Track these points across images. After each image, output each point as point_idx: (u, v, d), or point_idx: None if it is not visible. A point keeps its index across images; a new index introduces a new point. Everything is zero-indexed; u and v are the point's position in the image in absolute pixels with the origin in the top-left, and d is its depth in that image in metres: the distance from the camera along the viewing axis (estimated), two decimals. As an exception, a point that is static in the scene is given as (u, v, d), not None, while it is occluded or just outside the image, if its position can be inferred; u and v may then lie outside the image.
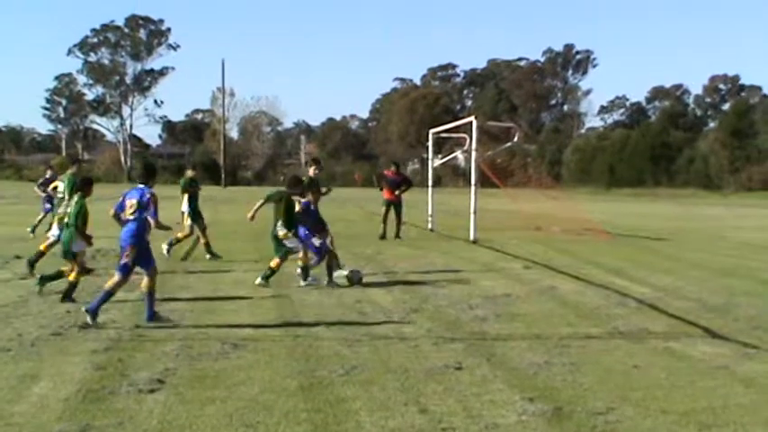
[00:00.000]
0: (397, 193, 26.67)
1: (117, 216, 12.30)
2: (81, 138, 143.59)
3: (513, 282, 17.04)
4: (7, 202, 51.29)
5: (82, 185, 14.73)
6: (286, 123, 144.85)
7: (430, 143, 34.44)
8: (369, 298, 14.57)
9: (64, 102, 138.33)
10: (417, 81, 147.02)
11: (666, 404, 8.18)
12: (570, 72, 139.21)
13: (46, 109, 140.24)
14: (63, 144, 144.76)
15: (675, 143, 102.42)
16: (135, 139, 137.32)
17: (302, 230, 15.98)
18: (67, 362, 9.58)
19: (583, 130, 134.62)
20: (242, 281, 16.48)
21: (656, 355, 10.45)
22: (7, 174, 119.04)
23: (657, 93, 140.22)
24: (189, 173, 21.85)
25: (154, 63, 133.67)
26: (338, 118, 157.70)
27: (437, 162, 35.94)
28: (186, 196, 20.79)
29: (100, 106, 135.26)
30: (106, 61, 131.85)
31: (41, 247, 16.90)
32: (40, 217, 25.85)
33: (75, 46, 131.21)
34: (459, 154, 41.42)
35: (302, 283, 15.91)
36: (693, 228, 35.32)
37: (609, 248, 24.67)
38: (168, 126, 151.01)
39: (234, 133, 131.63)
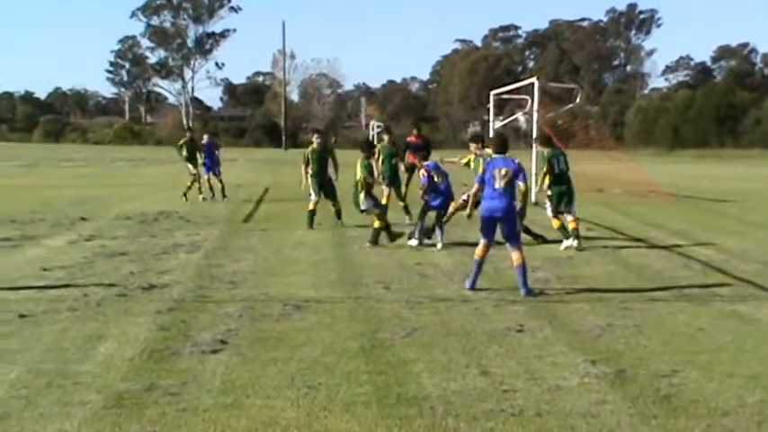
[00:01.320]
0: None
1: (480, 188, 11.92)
2: (144, 101, 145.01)
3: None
4: (74, 164, 52.09)
5: (367, 147, 16.56)
6: (346, 86, 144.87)
7: (491, 105, 34.10)
8: (430, 260, 14.55)
9: (127, 65, 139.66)
10: (478, 42, 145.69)
11: (732, 367, 8.06)
12: (633, 32, 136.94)
13: (110, 72, 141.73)
14: (126, 107, 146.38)
15: (741, 103, 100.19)
16: (196, 102, 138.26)
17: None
18: (132, 322, 9.70)
19: (646, 91, 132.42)
20: (304, 242, 16.55)
21: (722, 317, 10.29)
22: (73, 137, 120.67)
23: (723, 52, 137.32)
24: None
25: (215, 26, 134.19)
26: (398, 80, 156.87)
27: (498, 124, 35.58)
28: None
29: (162, 69, 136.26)
30: (168, 24, 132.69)
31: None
32: (203, 178, 26.50)
33: (138, 9, 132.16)
34: (520, 115, 41.05)
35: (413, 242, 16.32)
36: (759, 189, 34.60)
37: (672, 210, 24.32)
38: (229, 88, 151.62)
39: (294, 96, 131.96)
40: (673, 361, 8.23)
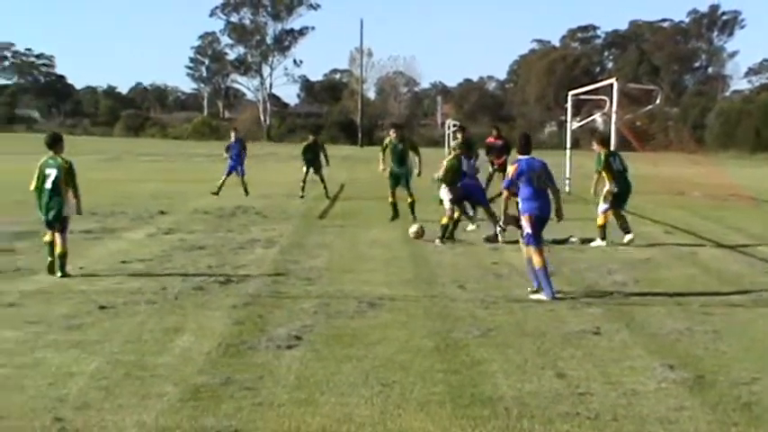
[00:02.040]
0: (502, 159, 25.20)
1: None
2: (222, 96, 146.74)
3: (652, 247, 16.64)
4: (153, 159, 52.87)
5: (467, 147, 17.12)
6: (423, 84, 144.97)
7: (569, 105, 33.89)
8: (505, 260, 14.46)
9: (207, 61, 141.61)
10: (556, 42, 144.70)
11: (815, 375, 7.87)
12: (716, 33, 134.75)
13: (189, 68, 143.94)
14: (205, 102, 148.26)
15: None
16: (274, 98, 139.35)
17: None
18: (209, 316, 9.81)
19: (727, 93, 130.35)
20: (379, 240, 16.58)
21: (805, 325, 10.08)
22: (152, 132, 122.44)
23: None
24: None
25: (294, 23, 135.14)
26: (475, 79, 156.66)
27: (575, 124, 35.36)
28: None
29: (241, 66, 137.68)
30: (248, 21, 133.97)
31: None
32: (223, 178, 26.39)
33: (218, 7, 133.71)
34: (597, 116, 40.74)
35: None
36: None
37: (754, 214, 23.86)
38: (306, 85, 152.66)
39: (371, 93, 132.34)
40: (753, 368, 8.05)
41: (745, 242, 17.47)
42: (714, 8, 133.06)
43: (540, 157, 11.77)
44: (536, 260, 11.28)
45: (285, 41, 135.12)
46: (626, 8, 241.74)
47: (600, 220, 16.89)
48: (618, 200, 16.91)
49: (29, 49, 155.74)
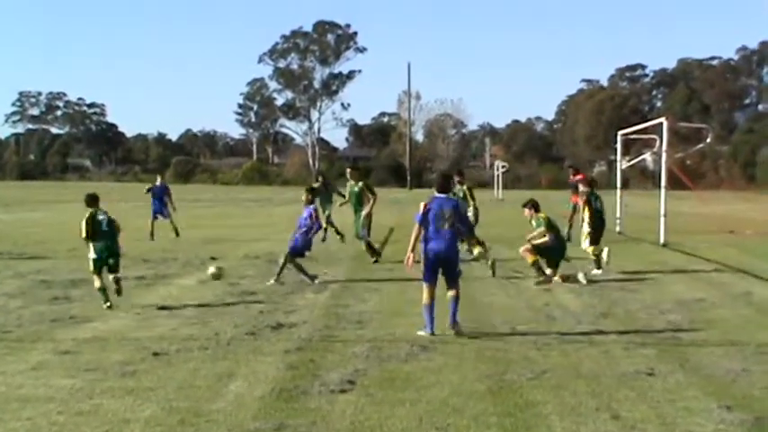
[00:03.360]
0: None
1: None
2: (271, 141, 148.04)
3: (705, 286, 16.52)
4: (203, 205, 53.29)
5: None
6: (471, 125, 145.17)
7: (618, 144, 33.79)
8: (557, 301, 14.41)
9: (255, 107, 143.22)
10: (604, 82, 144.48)
11: None
12: (765, 70, 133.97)
13: (238, 114, 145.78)
14: (254, 148, 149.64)
15: None
16: (322, 143, 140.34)
17: None
18: (261, 361, 9.85)
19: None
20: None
21: None
22: (203, 177, 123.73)
23: None
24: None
25: (341, 67, 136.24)
26: (523, 120, 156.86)
27: (625, 164, 35.26)
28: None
29: (289, 110, 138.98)
30: (295, 66, 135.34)
31: None
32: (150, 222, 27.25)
33: (265, 53, 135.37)
34: (647, 155, 40.63)
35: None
36: None
37: (808, 252, 23.54)
38: (355, 129, 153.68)
39: (419, 136, 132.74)
40: (812, 409, 7.93)
41: (799, 280, 17.21)
42: (764, 45, 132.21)
43: (454, 198, 11.81)
44: (424, 296, 11.41)
45: (333, 86, 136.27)
46: (674, 46, 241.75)
47: (591, 252, 18.24)
48: (595, 236, 18.29)
49: (81, 99, 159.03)
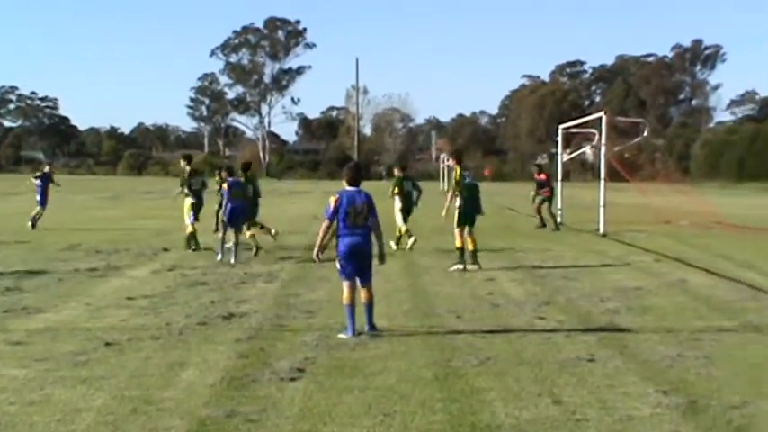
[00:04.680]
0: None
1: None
2: (222, 135, 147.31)
3: (643, 275, 16.94)
4: (155, 197, 53.01)
5: None
6: (417, 119, 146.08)
7: (559, 138, 34.37)
8: (501, 290, 14.69)
9: (207, 101, 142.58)
10: (545, 77, 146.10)
11: (804, 398, 8.03)
12: (699, 67, 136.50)
13: (190, 108, 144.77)
14: (205, 141, 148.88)
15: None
16: (273, 136, 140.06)
17: None
18: (213, 350, 9.96)
19: (711, 125, 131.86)
20: (378, 272, 16.59)
21: (793, 349, 10.26)
22: (155, 170, 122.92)
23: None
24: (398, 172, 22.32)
25: (291, 62, 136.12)
26: (468, 114, 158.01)
27: (566, 157, 35.79)
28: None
29: (240, 105, 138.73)
30: (246, 61, 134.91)
31: None
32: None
33: (217, 48, 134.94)
34: (587, 149, 41.20)
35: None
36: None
37: (739, 242, 24.20)
38: (304, 123, 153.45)
39: (367, 129, 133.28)
40: (744, 392, 8.23)
41: (732, 269, 17.76)
42: (697, 42, 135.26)
43: (366, 191, 11.23)
44: (344, 296, 10.92)
45: (283, 80, 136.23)
46: (612, 43, 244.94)
47: (458, 243, 17.66)
48: (463, 220, 17.70)
49: (33, 93, 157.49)
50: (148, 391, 8.23)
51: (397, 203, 21.26)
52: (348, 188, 11.04)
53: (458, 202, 17.70)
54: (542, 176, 29.72)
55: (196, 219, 21.14)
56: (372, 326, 11.01)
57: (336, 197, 10.91)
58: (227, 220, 18.85)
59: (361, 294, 11.01)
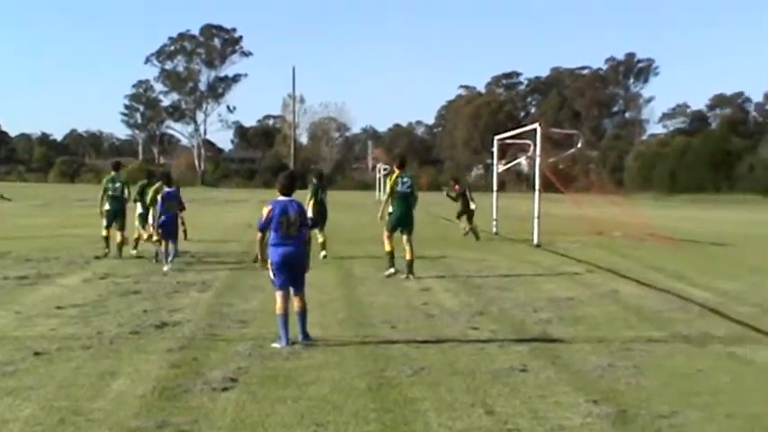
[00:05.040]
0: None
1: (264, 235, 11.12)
2: (157, 142, 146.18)
3: (576, 285, 17.14)
4: (88, 204, 52.33)
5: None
6: (354, 129, 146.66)
7: (494, 149, 34.75)
8: (435, 300, 14.74)
9: (141, 108, 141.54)
10: (482, 89, 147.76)
11: (731, 408, 8.16)
12: (632, 80, 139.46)
13: (124, 115, 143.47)
14: (140, 148, 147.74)
15: (736, 150, 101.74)
16: (208, 144, 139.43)
17: None
18: (144, 360, 9.84)
19: (644, 137, 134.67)
20: (311, 282, 16.58)
21: (720, 359, 10.43)
22: (88, 177, 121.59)
23: (718, 100, 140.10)
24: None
25: (227, 70, 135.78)
26: (404, 124, 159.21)
27: (501, 167, 36.22)
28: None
29: (175, 112, 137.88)
30: (181, 69, 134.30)
31: None
32: None
33: (152, 55, 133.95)
34: (522, 160, 41.68)
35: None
36: (755, 234, 35.00)
37: (670, 253, 24.59)
38: (240, 131, 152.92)
39: (304, 138, 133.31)
40: (673, 402, 8.35)
41: (662, 280, 18.05)
42: (630, 56, 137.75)
43: (299, 201, 11.32)
44: (277, 305, 10.90)
45: (219, 88, 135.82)
46: (547, 56, 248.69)
47: (387, 247, 17.98)
48: (392, 225, 17.96)
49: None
50: (77, 401, 8.10)
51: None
52: (281, 198, 11.02)
53: (390, 208, 17.97)
54: (457, 188, 30.12)
55: (109, 225, 21.66)
56: (306, 335, 10.97)
57: (270, 207, 10.91)
58: (162, 233, 18.72)
59: (294, 303, 10.98)
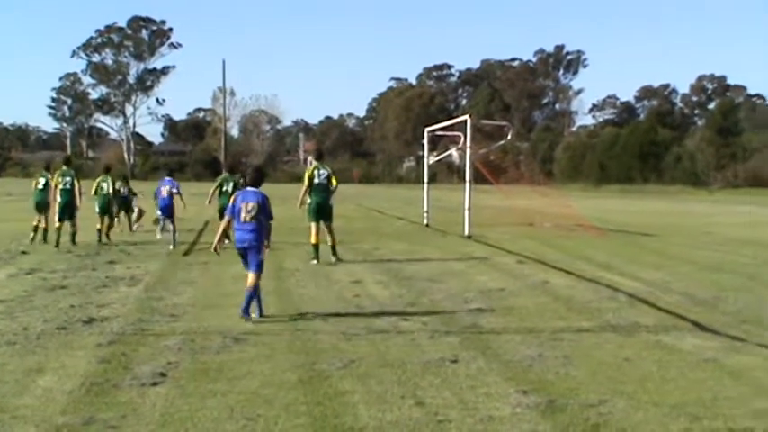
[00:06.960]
0: None
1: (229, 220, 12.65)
2: (85, 136, 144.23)
3: (506, 276, 17.28)
4: (15, 198, 51.55)
5: None
6: (285, 122, 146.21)
7: (425, 141, 34.90)
8: (366, 292, 14.77)
9: (69, 101, 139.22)
10: (413, 80, 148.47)
11: (657, 396, 8.30)
12: (561, 72, 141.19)
13: (51, 108, 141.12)
14: (68, 142, 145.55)
15: (663, 141, 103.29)
16: (138, 137, 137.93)
17: None
18: (72, 355, 9.73)
19: (574, 129, 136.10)
20: (243, 275, 16.55)
21: (647, 348, 10.58)
22: (14, 171, 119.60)
23: (646, 92, 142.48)
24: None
25: (156, 63, 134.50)
26: (336, 116, 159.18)
27: (432, 159, 36.41)
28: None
29: (104, 105, 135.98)
30: (110, 61, 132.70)
31: None
32: None
33: (79, 47, 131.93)
34: (453, 151, 41.92)
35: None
36: (681, 224, 35.52)
37: (599, 244, 24.89)
38: (170, 124, 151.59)
39: (234, 131, 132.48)
40: (601, 390, 8.46)
41: (591, 270, 18.25)
42: (559, 48, 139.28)
43: (262, 192, 12.51)
44: (249, 279, 12.27)
45: (148, 81, 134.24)
46: (478, 48, 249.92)
47: (313, 239, 18.73)
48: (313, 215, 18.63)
49: None
50: (3, 398, 8.00)
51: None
52: (248, 189, 12.62)
53: (308, 199, 18.70)
54: None
55: (61, 218, 22.62)
56: (246, 311, 12.00)
57: (235, 197, 12.69)
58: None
59: (247, 279, 12.18)
